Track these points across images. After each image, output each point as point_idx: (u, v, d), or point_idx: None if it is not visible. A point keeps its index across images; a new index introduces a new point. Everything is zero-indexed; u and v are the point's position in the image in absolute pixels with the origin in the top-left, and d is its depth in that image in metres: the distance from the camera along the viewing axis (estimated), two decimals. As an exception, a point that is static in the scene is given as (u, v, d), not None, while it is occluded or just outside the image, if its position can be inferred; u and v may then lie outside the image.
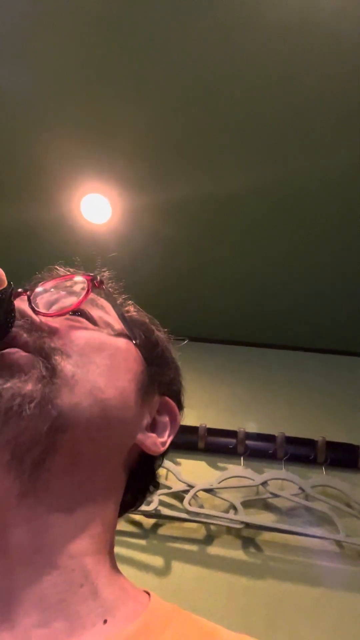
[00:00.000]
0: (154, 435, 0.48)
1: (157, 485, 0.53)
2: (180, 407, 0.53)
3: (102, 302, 0.49)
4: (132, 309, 0.53)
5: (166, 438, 0.49)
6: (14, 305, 0.39)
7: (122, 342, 0.47)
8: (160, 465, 0.52)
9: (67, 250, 1.84)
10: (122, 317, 0.48)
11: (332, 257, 1.79)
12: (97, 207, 1.74)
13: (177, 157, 1.60)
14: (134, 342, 0.48)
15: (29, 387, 0.37)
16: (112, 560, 0.42)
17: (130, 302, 0.53)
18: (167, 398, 0.51)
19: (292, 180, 1.60)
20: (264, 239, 1.78)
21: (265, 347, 2.05)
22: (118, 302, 0.51)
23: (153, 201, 1.71)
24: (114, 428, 0.42)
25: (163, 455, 0.50)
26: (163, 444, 0.48)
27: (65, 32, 1.35)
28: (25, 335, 0.40)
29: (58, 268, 0.52)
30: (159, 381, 0.50)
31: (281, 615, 1.36)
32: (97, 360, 0.43)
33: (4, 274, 0.37)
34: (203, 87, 1.42)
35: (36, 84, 1.47)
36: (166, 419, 0.50)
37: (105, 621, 0.36)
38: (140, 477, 0.49)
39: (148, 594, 0.41)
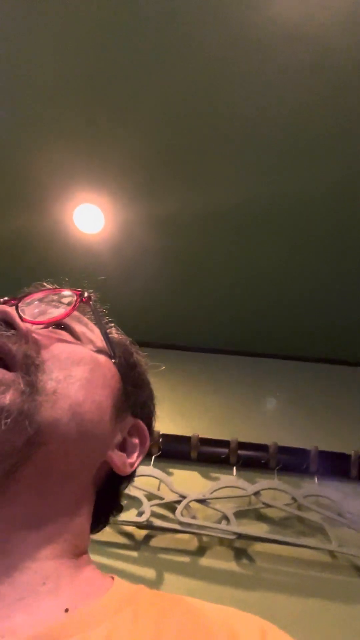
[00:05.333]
0: (123, 454, 0.48)
1: (120, 509, 0.53)
2: (151, 431, 0.54)
3: (86, 320, 0.51)
4: (114, 331, 0.53)
5: (134, 459, 0.50)
6: None
7: (102, 358, 0.48)
8: (125, 488, 0.53)
9: (60, 260, 1.86)
10: (105, 335, 0.49)
11: (325, 268, 1.81)
12: (90, 217, 1.75)
13: (171, 168, 1.61)
14: (113, 360, 0.49)
15: (6, 400, 0.38)
16: (83, 561, 0.42)
17: (112, 324, 0.54)
18: (139, 420, 0.52)
19: (283, 193, 1.62)
20: (258, 249, 1.79)
21: (258, 356, 2.06)
22: (102, 320, 0.52)
23: (146, 212, 1.72)
24: (87, 443, 0.43)
25: (129, 477, 0.51)
26: (131, 465, 0.49)
27: (60, 44, 1.36)
28: (10, 344, 0.41)
29: (45, 284, 0.53)
30: (134, 402, 0.51)
31: (274, 626, 1.35)
32: (78, 373, 0.44)
33: None
34: (196, 101, 1.44)
35: (30, 95, 1.48)
36: (136, 441, 0.51)
37: (66, 610, 0.36)
38: (106, 498, 0.49)
39: (113, 578, 0.42)
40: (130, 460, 0.49)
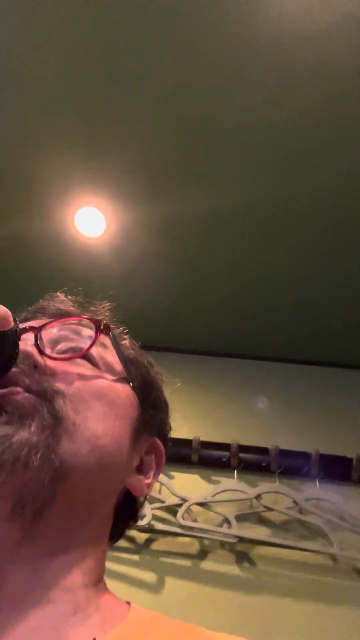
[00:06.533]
0: (141, 477, 0.49)
1: (136, 521, 0.54)
2: (167, 446, 0.55)
3: (104, 339, 0.50)
4: (128, 344, 0.53)
5: (151, 479, 0.50)
6: (18, 343, 0.40)
7: (120, 387, 0.48)
8: (142, 504, 0.54)
9: (62, 263, 1.86)
10: (123, 360, 0.49)
11: (326, 271, 1.81)
12: (91, 220, 1.75)
13: (172, 172, 1.61)
14: (131, 384, 0.49)
15: (34, 438, 0.38)
16: (102, 587, 0.43)
17: (126, 336, 0.54)
18: (156, 439, 0.52)
19: (285, 196, 1.62)
20: (258, 253, 1.79)
21: (259, 359, 2.06)
22: (120, 343, 0.51)
23: (147, 215, 1.72)
24: (108, 475, 0.44)
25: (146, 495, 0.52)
26: (148, 485, 0.49)
27: (61, 50, 1.37)
28: (26, 379, 0.41)
29: (59, 296, 0.53)
30: (151, 423, 0.51)
31: (275, 630, 1.34)
32: (97, 407, 0.44)
33: (11, 314, 0.38)
34: (197, 104, 1.44)
35: (32, 100, 1.48)
36: (152, 459, 0.52)
37: (94, 639, 0.37)
38: (123, 517, 0.50)
39: (129, 604, 0.42)
40: (147, 481, 0.49)
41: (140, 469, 0.50)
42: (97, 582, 0.42)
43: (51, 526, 0.39)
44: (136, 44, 1.34)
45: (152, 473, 0.50)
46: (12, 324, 0.38)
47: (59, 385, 0.42)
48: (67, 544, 0.40)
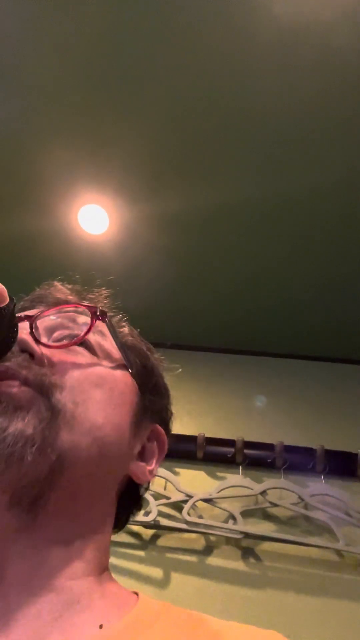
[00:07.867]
0: (143, 464, 0.49)
1: (139, 509, 0.54)
2: (169, 433, 0.54)
3: (102, 327, 0.49)
4: (127, 331, 0.53)
5: (154, 466, 0.50)
6: (16, 321, 0.39)
7: (119, 374, 0.47)
8: (146, 491, 0.53)
9: (65, 260, 1.86)
10: (121, 347, 0.49)
11: (329, 265, 1.80)
12: (94, 217, 1.75)
13: (174, 168, 1.61)
14: (130, 371, 0.48)
15: (30, 429, 0.37)
16: (107, 576, 0.43)
17: (125, 323, 0.53)
18: (157, 425, 0.52)
19: (286, 191, 1.62)
20: (260, 248, 1.79)
21: (264, 355, 2.06)
22: (118, 330, 0.51)
23: (150, 211, 1.72)
24: (110, 463, 0.43)
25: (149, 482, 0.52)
26: (151, 472, 0.49)
27: (63, 45, 1.37)
28: (23, 371, 0.40)
29: (57, 284, 0.52)
30: (152, 409, 0.51)
31: (281, 625, 1.34)
32: (96, 395, 0.43)
33: (6, 291, 0.37)
34: (199, 100, 1.44)
35: (34, 97, 1.48)
36: (155, 445, 0.51)
37: (101, 626, 0.37)
38: (127, 503, 0.50)
39: (137, 594, 0.42)
40: (149, 468, 0.49)
41: (142, 456, 0.49)
42: (102, 571, 0.42)
43: (50, 515, 0.39)
44: (139, 40, 1.33)
45: (154, 460, 0.50)
46: (7, 300, 0.37)
47: (57, 377, 0.41)
48: (68, 533, 0.40)
